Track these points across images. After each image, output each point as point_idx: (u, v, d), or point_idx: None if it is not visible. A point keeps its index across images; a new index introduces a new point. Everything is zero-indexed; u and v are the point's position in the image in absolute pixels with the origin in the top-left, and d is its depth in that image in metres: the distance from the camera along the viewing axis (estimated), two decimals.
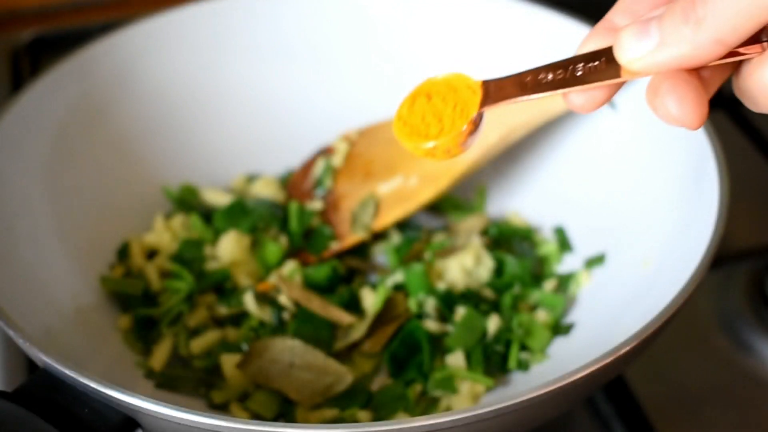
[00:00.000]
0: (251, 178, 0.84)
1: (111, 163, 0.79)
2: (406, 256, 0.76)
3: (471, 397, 0.66)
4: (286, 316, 0.71)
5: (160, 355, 0.69)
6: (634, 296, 0.65)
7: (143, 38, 0.81)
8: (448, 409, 0.66)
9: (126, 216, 0.78)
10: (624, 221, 0.73)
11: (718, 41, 0.37)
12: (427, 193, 0.76)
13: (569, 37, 0.78)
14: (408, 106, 0.49)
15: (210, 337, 0.70)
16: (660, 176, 0.71)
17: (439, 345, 0.69)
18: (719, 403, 0.69)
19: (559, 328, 0.70)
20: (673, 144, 0.69)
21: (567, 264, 0.77)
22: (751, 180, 0.85)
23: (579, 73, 0.42)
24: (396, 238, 0.79)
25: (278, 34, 0.85)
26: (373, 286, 0.74)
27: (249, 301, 0.71)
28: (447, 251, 0.75)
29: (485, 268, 0.74)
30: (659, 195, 0.70)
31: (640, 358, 0.59)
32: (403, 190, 0.77)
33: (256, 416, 0.65)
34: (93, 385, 0.51)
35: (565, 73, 0.42)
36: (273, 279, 0.73)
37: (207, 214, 0.79)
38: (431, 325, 0.70)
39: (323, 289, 0.74)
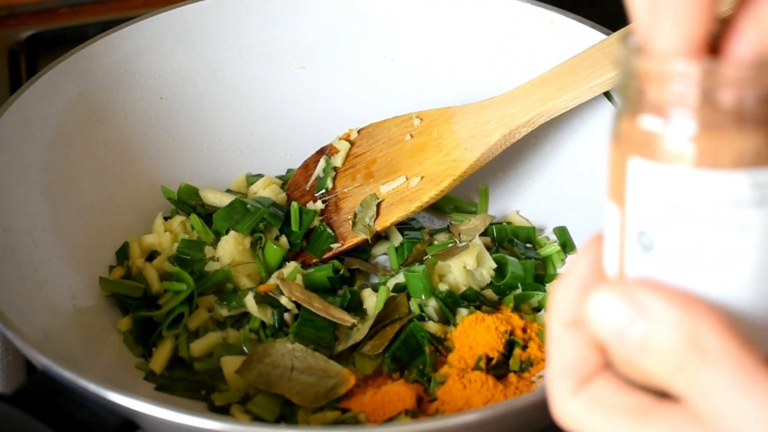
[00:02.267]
0: (251, 179, 0.83)
1: (110, 163, 0.78)
2: (408, 257, 0.76)
3: None
4: (287, 317, 0.71)
5: (160, 358, 0.69)
6: None
7: (142, 37, 0.80)
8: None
9: (125, 217, 0.78)
10: None
11: None
12: (429, 193, 0.76)
13: (571, 37, 0.78)
14: None
15: (210, 339, 0.70)
16: None
17: (440, 346, 0.69)
18: None
19: None
20: None
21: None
22: None
23: None
24: (397, 239, 0.78)
25: (279, 34, 0.85)
26: (375, 287, 0.73)
27: (250, 303, 0.71)
28: (448, 252, 0.75)
29: (487, 269, 0.74)
30: None
31: None
32: (404, 191, 0.77)
33: (258, 419, 0.64)
34: (92, 387, 0.51)
35: None
36: (274, 280, 0.73)
37: (207, 215, 0.78)
38: (433, 326, 0.70)
39: (324, 290, 0.73)
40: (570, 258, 0.77)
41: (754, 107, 0.32)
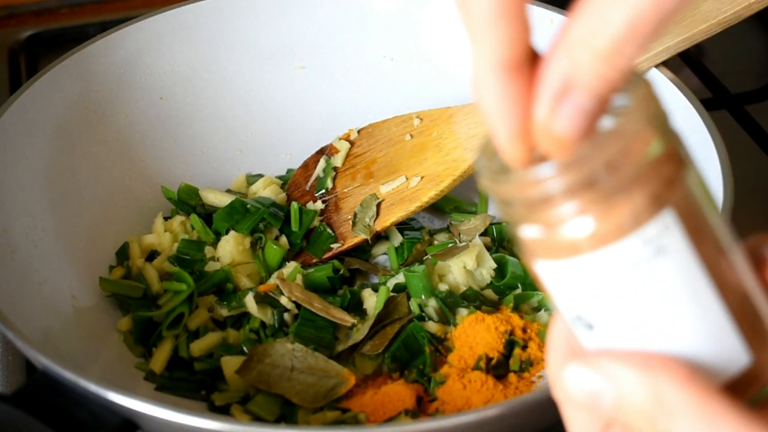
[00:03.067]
0: (251, 179, 0.83)
1: (110, 163, 0.78)
2: (408, 257, 0.76)
3: None
4: (287, 317, 0.71)
5: (160, 358, 0.69)
6: None
7: (142, 37, 0.80)
8: None
9: (125, 217, 0.78)
10: None
11: None
12: (429, 193, 0.76)
13: None
14: None
15: (210, 339, 0.70)
16: None
17: (440, 346, 0.69)
18: None
19: None
20: None
21: None
22: (756, 180, 0.85)
23: None
24: (397, 239, 0.78)
25: (279, 34, 0.85)
26: (375, 287, 0.73)
27: (250, 303, 0.71)
28: (448, 252, 0.75)
29: (487, 269, 0.74)
30: None
31: None
32: (404, 191, 0.77)
33: (258, 419, 0.64)
34: (92, 387, 0.51)
35: None
36: (274, 280, 0.73)
37: (207, 215, 0.78)
38: (433, 326, 0.70)
39: (324, 290, 0.73)
40: None
41: (610, 180, 0.33)
